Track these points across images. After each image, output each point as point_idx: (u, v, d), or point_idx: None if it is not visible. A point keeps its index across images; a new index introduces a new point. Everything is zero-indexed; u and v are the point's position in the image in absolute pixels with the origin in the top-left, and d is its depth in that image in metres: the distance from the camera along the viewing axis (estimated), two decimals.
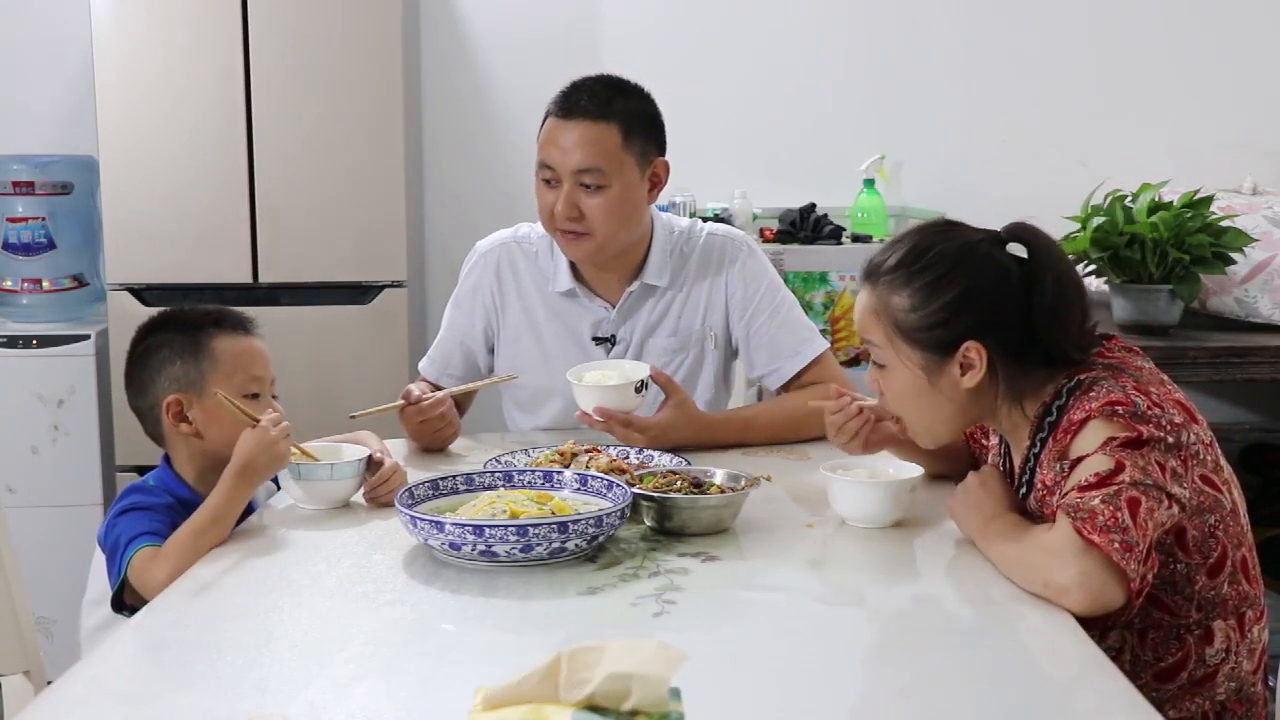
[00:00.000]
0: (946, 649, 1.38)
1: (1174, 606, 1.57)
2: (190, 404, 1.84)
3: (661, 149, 2.23)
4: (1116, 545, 1.41)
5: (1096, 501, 1.43)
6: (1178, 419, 1.52)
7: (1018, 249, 1.63)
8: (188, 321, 1.89)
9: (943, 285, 1.61)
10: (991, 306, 1.61)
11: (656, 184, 2.23)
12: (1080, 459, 1.50)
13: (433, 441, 2.15)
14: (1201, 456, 1.56)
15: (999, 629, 1.43)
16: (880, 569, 1.63)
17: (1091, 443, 1.50)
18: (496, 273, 2.34)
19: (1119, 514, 1.42)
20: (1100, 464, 1.47)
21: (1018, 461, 1.69)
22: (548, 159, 2.16)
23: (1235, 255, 3.05)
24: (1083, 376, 1.58)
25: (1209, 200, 3.05)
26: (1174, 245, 2.97)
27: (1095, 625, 1.48)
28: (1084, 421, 1.52)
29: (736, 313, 2.31)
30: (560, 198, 2.14)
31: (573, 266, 2.29)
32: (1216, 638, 1.57)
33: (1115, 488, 1.44)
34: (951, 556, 1.62)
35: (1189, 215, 3.00)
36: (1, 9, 3.78)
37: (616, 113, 2.15)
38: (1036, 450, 1.63)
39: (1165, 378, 1.62)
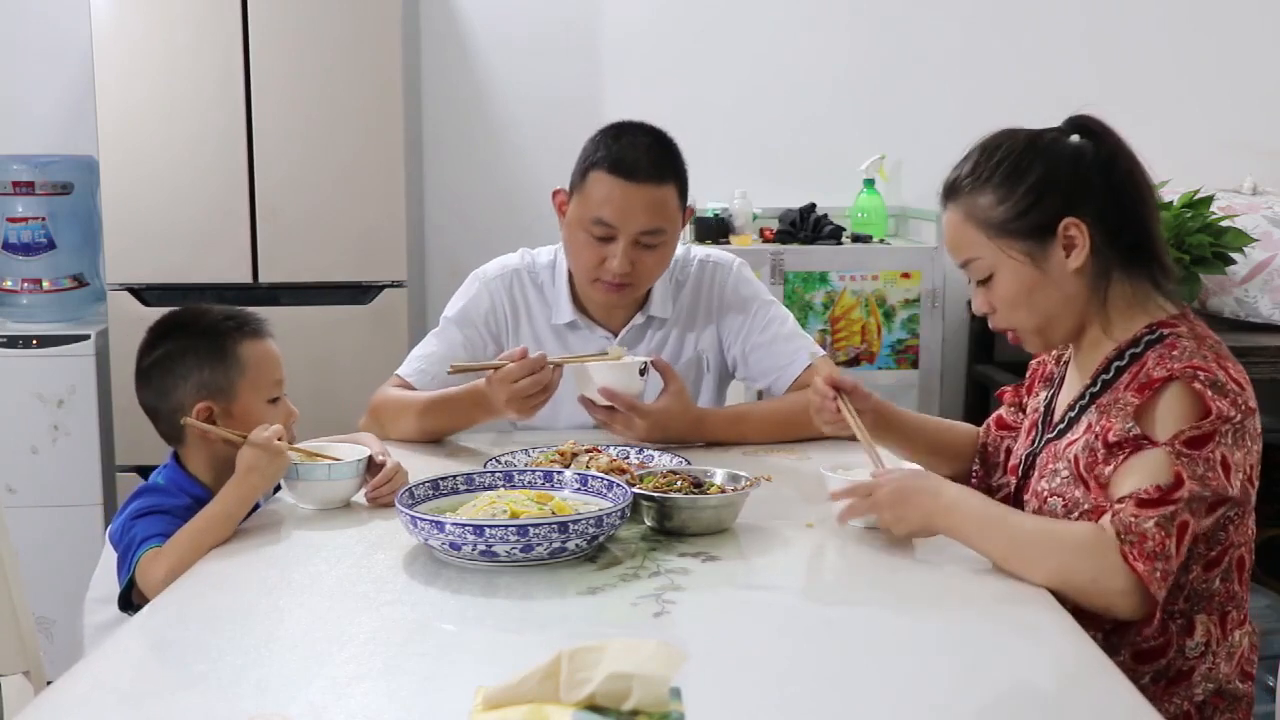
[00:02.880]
0: (946, 649, 1.38)
1: None
2: (221, 411, 1.84)
3: None
4: (1157, 575, 1.43)
5: (1150, 525, 1.44)
6: (1251, 402, 1.52)
7: (1081, 139, 1.63)
8: (210, 325, 1.88)
9: (1022, 171, 1.62)
10: (1075, 181, 1.61)
11: (683, 223, 2.27)
12: (1147, 440, 1.49)
13: (527, 404, 2.04)
14: (1250, 446, 1.56)
15: (998, 628, 1.43)
16: (880, 569, 1.63)
17: (1165, 423, 1.49)
18: (510, 298, 2.34)
19: (1167, 541, 1.44)
20: (1161, 471, 1.47)
21: (1068, 398, 1.68)
22: (608, 219, 2.15)
23: (1235, 255, 3.06)
24: (1165, 331, 1.58)
25: (1209, 200, 3.05)
26: (1174, 245, 2.97)
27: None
28: (1166, 382, 1.51)
29: (731, 336, 2.34)
30: (619, 255, 2.16)
31: (574, 297, 2.31)
32: (1197, 631, 1.58)
33: (1171, 509, 1.45)
34: (952, 556, 1.62)
35: (1189, 215, 3.00)
36: (1, 9, 3.78)
37: (672, 172, 2.19)
38: (1095, 390, 1.62)
39: (1238, 362, 1.61)
